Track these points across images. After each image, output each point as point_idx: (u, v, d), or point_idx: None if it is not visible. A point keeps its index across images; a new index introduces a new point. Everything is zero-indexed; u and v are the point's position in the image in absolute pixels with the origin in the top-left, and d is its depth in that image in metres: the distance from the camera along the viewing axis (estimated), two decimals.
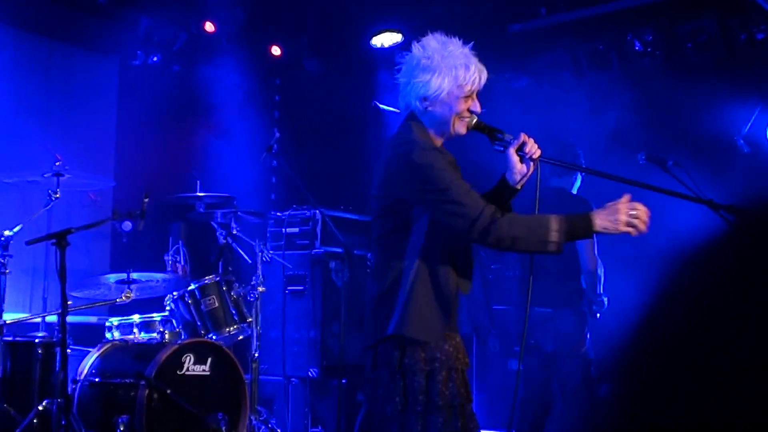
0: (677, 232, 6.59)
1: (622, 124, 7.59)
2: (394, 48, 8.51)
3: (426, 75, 3.45)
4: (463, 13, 8.48)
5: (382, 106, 8.74)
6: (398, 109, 3.65)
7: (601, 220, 3.39)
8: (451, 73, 3.44)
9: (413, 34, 8.34)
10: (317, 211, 7.42)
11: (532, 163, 3.55)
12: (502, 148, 3.56)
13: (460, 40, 3.52)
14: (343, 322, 6.83)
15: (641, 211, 3.39)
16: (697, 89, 7.60)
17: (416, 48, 3.52)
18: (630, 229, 3.39)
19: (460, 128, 3.55)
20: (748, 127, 7.59)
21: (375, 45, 8.45)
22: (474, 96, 3.53)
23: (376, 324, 3.45)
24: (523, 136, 3.53)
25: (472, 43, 3.52)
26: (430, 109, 3.50)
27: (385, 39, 8.43)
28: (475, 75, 3.47)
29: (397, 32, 8.43)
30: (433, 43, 3.50)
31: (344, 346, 6.79)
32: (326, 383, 7.46)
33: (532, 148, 3.54)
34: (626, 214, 3.38)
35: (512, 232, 3.32)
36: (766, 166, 7.61)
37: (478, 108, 3.53)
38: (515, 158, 3.53)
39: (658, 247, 6.61)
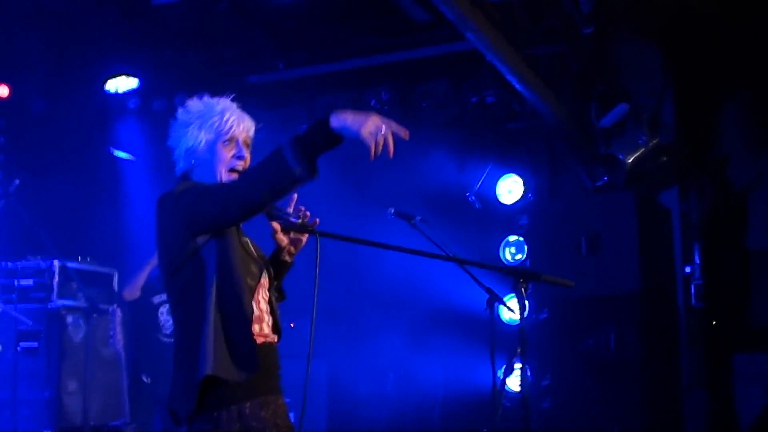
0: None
1: (368, 180, 7.77)
2: (130, 93, 8.21)
3: (185, 130, 3.39)
4: (199, 62, 8.36)
5: (117, 152, 8.39)
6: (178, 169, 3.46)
7: (342, 116, 2.95)
8: (206, 121, 3.36)
9: (150, 79, 8.21)
10: (53, 262, 6.92)
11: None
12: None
13: (228, 98, 3.45)
14: (84, 380, 6.40)
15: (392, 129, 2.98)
16: (433, 147, 7.93)
17: (180, 112, 3.46)
18: (372, 141, 2.92)
19: (228, 179, 3.38)
20: (479, 184, 8.03)
21: (109, 89, 8.08)
22: (236, 143, 3.37)
23: (182, 383, 3.17)
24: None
25: (233, 96, 3.48)
26: (196, 163, 3.39)
27: (120, 84, 8.10)
28: (233, 120, 3.37)
29: (133, 77, 8.13)
30: (195, 103, 3.44)
31: (87, 406, 6.35)
32: None
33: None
34: (376, 125, 2.92)
35: (249, 180, 3.12)
36: (495, 222, 8.08)
37: (244, 153, 3.38)
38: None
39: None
